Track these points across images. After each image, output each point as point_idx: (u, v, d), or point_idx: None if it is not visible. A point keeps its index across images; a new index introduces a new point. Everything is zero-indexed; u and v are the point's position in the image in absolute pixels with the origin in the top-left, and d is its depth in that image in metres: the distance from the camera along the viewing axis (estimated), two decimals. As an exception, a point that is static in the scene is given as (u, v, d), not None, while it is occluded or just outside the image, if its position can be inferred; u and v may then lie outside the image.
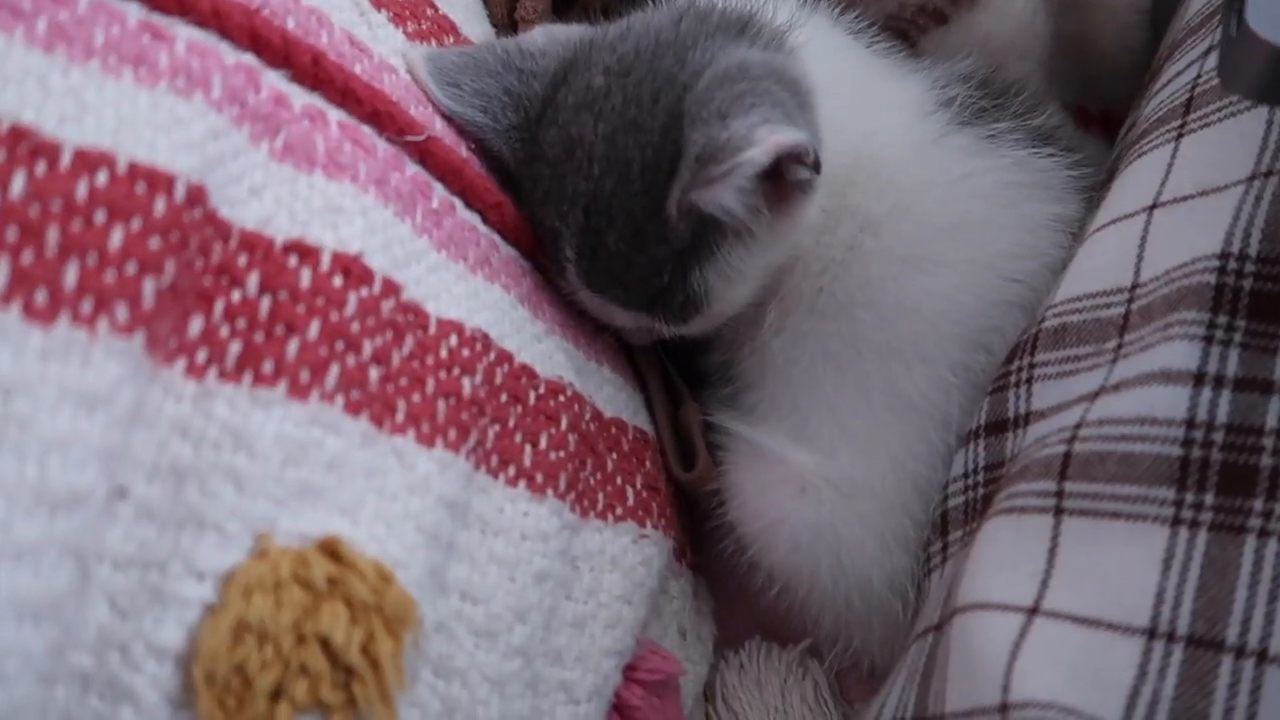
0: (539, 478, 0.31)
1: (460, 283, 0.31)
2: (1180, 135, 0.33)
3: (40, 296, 0.21)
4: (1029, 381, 0.34)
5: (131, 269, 0.22)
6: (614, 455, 0.35)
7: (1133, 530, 0.27)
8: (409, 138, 0.31)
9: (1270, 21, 0.24)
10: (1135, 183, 0.34)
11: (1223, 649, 0.25)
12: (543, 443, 0.32)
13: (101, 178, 0.22)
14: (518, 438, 0.31)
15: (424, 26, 0.37)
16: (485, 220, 0.34)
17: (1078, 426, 0.30)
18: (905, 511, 0.36)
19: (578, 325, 0.37)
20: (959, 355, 0.36)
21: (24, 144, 0.21)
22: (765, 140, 0.29)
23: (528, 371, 0.33)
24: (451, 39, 0.39)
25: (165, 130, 0.24)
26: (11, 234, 0.21)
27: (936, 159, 0.37)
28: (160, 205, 0.23)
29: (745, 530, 0.38)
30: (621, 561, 0.33)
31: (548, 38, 0.36)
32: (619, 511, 0.34)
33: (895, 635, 0.37)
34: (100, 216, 0.22)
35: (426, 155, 0.32)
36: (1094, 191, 0.38)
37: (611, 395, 0.37)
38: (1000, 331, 0.36)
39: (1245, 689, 0.24)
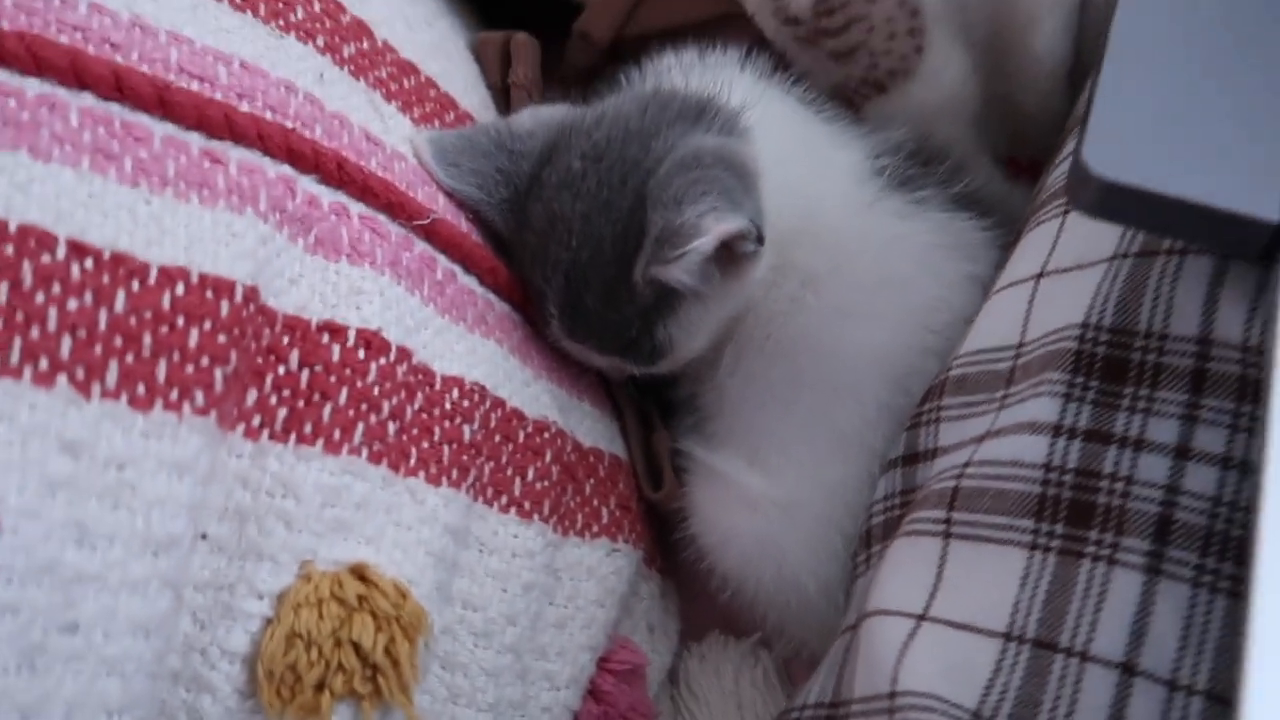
0: (527, 505, 0.38)
1: (460, 342, 0.37)
2: (1066, 211, 0.39)
3: (140, 389, 0.27)
4: (937, 421, 0.40)
5: (205, 361, 0.28)
6: (591, 481, 0.42)
7: (1000, 553, 0.34)
8: (416, 222, 0.37)
9: (1099, 157, 0.30)
10: (1030, 251, 0.40)
11: (1056, 649, 0.31)
12: (530, 475, 0.38)
13: (179, 289, 0.28)
14: (509, 471, 0.38)
15: (428, 109, 0.43)
16: (481, 282, 0.40)
17: (966, 465, 0.36)
18: (837, 528, 0.42)
19: (562, 367, 0.43)
20: (885, 396, 0.42)
21: (123, 267, 0.27)
22: (712, 229, 0.35)
23: (518, 414, 0.39)
24: (452, 114, 0.45)
25: (225, 243, 0.30)
26: (118, 341, 0.27)
27: (870, 222, 0.43)
28: (225, 308, 0.29)
29: (704, 542, 0.44)
30: (597, 571, 0.40)
31: (534, 121, 0.42)
32: (595, 529, 0.41)
33: (830, 631, 0.43)
34: (180, 321, 0.28)
35: (432, 234, 0.38)
36: (1007, 247, 0.44)
37: (590, 427, 0.44)
38: (920, 375, 0.42)
39: (1070, 681, 0.31)
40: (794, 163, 0.43)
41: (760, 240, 0.38)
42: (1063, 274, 0.37)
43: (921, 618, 0.34)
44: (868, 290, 0.42)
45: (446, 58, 0.47)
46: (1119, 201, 0.30)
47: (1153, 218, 0.30)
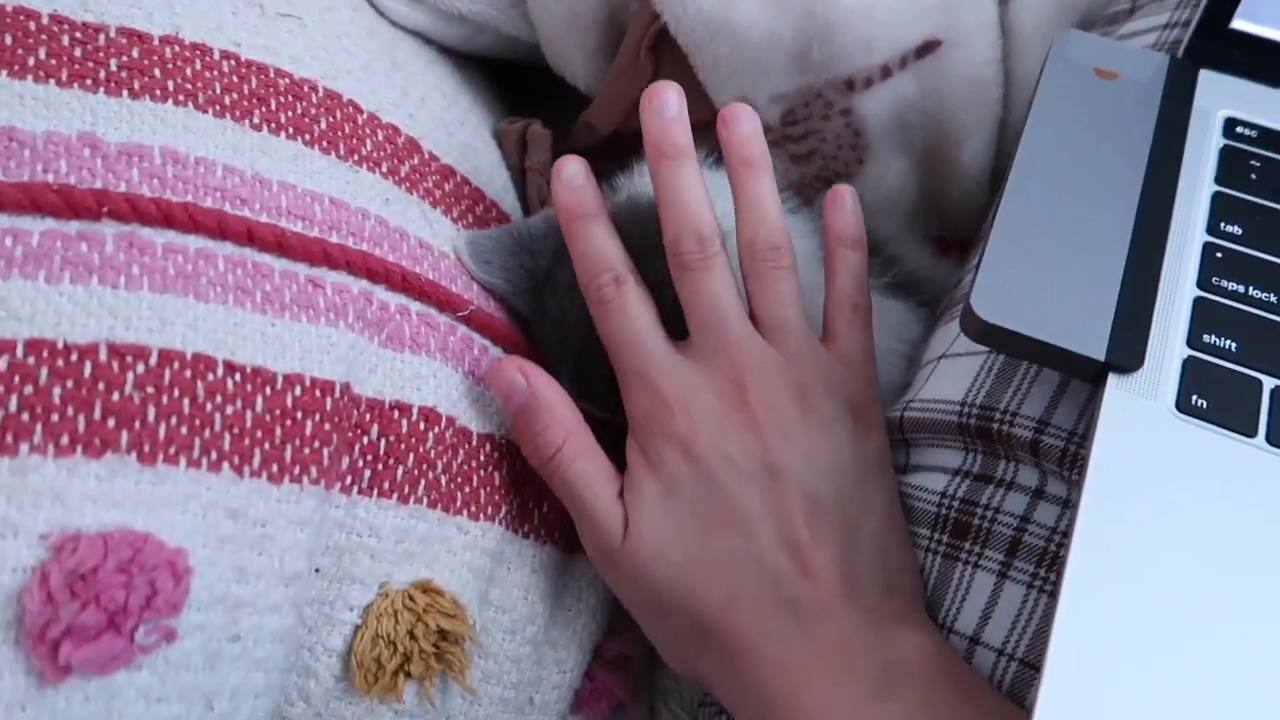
0: (543, 531, 0.49)
1: (492, 404, 0.48)
2: None
3: (275, 468, 0.37)
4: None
5: (317, 444, 0.39)
6: (591, 508, 0.53)
7: None
8: (459, 314, 0.47)
9: (982, 304, 0.40)
10: (944, 336, 0.51)
11: (935, 624, 0.42)
12: (545, 507, 0.49)
13: (298, 391, 0.39)
14: (529, 505, 0.49)
15: (464, 206, 0.53)
16: (506, 352, 0.51)
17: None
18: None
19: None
20: None
21: (260, 378, 0.38)
22: None
23: (536, 459, 0.50)
24: (481, 206, 0.55)
25: (327, 351, 0.40)
26: (259, 434, 0.37)
27: (819, 303, 0.53)
28: (329, 403, 0.40)
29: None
30: (596, 582, 0.51)
31: (548, 224, 0.52)
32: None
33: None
34: (300, 415, 0.39)
35: (470, 320, 0.48)
36: (932, 322, 0.54)
37: (591, 462, 0.54)
38: None
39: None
40: None
41: None
42: (958, 358, 0.48)
43: None
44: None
45: (475, 153, 0.57)
46: (995, 337, 0.41)
47: (1018, 349, 0.41)
